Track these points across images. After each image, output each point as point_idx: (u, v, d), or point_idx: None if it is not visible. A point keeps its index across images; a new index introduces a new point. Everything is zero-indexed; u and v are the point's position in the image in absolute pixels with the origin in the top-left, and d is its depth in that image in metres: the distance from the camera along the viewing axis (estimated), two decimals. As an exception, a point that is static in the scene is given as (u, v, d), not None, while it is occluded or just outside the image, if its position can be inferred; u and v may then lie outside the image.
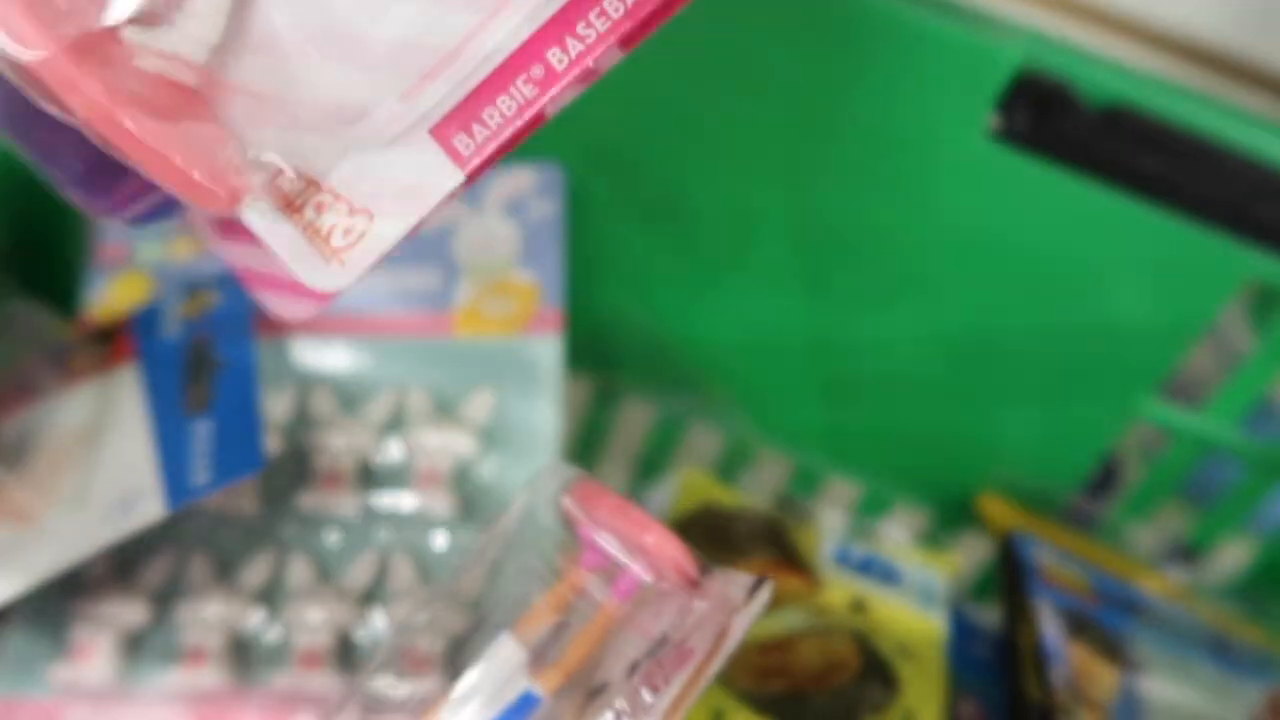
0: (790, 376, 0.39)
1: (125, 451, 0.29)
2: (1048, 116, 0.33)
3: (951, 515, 0.40)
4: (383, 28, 0.15)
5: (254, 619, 0.31)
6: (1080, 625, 0.34)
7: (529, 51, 0.16)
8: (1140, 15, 0.51)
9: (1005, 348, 0.37)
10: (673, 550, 0.21)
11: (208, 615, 0.30)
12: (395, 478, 0.32)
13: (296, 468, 0.32)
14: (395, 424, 0.33)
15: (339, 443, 0.32)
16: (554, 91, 0.16)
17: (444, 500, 0.32)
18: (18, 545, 0.28)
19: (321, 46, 0.15)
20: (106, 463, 0.29)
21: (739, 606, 0.19)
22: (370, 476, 0.32)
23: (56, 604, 0.31)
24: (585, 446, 0.42)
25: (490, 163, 0.16)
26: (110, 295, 0.36)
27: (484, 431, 0.33)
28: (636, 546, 0.21)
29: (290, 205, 0.17)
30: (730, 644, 0.19)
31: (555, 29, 0.16)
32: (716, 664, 0.19)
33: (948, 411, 0.39)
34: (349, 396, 0.33)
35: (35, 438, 0.31)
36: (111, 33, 0.15)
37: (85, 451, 0.30)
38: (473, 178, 0.16)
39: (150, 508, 0.27)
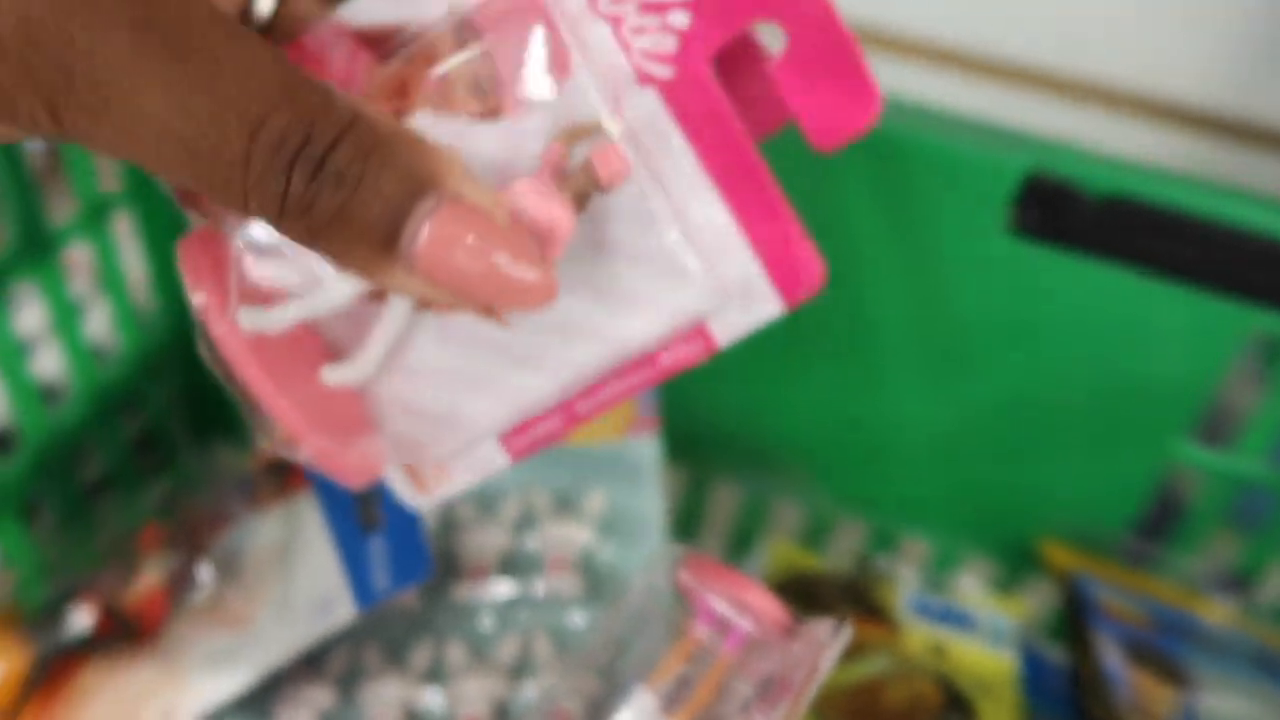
0: (862, 450, 0.44)
1: (316, 564, 0.36)
2: (1055, 211, 0.38)
3: (1018, 563, 0.45)
4: (511, 383, 0.23)
5: (424, 695, 0.37)
6: (1140, 652, 0.38)
7: (565, 404, 0.24)
8: (1146, 89, 0.56)
9: (1047, 409, 0.42)
10: (771, 606, 0.26)
11: (385, 695, 0.36)
12: (530, 567, 0.38)
13: (447, 564, 0.39)
14: (525, 521, 0.39)
15: (480, 540, 0.39)
16: (575, 425, 0.24)
17: (572, 583, 0.37)
18: (240, 647, 0.35)
19: (449, 387, 0.23)
20: (301, 574, 0.36)
21: (826, 645, 0.24)
22: (509, 567, 0.38)
23: (260, 695, 0.37)
24: (683, 527, 0.47)
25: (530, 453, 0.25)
26: (280, 432, 0.43)
27: (600, 522, 0.39)
28: (742, 605, 0.26)
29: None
30: (822, 674, 0.24)
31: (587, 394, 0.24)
32: (811, 692, 0.24)
33: (1003, 470, 0.43)
34: (484, 501, 0.40)
35: (241, 557, 0.38)
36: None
37: (282, 565, 0.37)
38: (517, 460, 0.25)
39: (343, 609, 0.34)
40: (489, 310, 0.21)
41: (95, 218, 0.41)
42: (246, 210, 0.17)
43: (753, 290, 0.21)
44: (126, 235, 0.44)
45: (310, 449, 0.23)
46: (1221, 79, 0.55)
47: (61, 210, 0.39)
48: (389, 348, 0.22)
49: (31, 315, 0.48)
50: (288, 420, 0.22)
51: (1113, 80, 0.55)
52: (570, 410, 0.24)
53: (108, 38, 0.16)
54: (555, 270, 0.18)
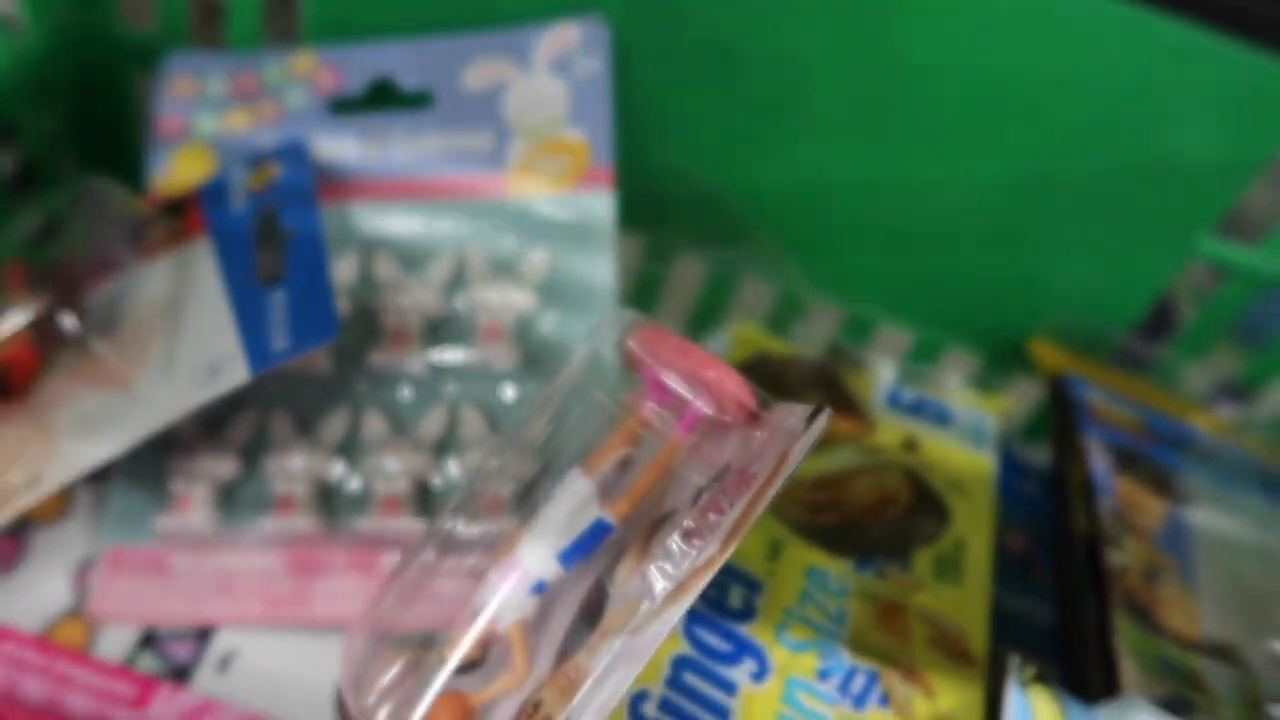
0: (842, 225, 0.39)
1: (207, 320, 0.31)
2: (1110, -58, 0.31)
3: (1003, 359, 0.41)
4: None
5: (336, 470, 0.33)
6: (1129, 459, 0.34)
7: None
8: None
9: (1062, 189, 0.36)
10: (733, 385, 0.21)
11: (293, 467, 0.32)
12: (459, 334, 0.34)
13: (365, 328, 0.34)
14: (456, 283, 0.34)
15: (404, 302, 0.34)
16: None
17: (507, 354, 0.33)
18: (116, 409, 0.30)
19: None
20: (190, 331, 0.31)
21: (798, 433, 0.20)
22: (435, 333, 0.34)
23: (154, 462, 0.33)
24: (638, 302, 0.42)
25: None
26: (174, 169, 0.37)
27: (542, 287, 0.34)
28: (699, 382, 0.22)
29: None
30: (790, 468, 0.20)
31: None
32: (776, 488, 0.20)
33: (1001, 256, 0.39)
34: (411, 258, 0.34)
35: (121, 310, 0.32)
36: None
37: (169, 321, 0.32)
38: None
39: (235, 372, 0.29)
40: None
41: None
42: None
43: None
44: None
45: None
46: None
47: None
48: None
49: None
50: None
51: None
52: None
53: None
54: None
